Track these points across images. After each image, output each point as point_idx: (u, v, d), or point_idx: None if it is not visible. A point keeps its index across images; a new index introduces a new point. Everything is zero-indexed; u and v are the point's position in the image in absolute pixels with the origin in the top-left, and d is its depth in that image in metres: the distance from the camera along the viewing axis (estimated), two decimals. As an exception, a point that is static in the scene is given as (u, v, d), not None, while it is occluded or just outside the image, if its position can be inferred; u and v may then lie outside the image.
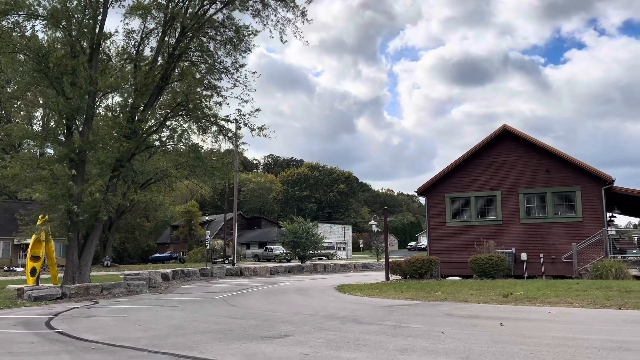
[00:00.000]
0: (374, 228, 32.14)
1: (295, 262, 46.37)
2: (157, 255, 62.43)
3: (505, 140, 24.04)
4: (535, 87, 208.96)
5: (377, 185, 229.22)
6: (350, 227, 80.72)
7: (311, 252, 52.87)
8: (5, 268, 42.56)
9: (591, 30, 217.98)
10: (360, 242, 76.55)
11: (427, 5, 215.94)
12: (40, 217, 20.74)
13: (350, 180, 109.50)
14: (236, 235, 45.21)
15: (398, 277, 23.27)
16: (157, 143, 23.31)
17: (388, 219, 25.09)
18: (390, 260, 23.99)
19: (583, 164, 22.23)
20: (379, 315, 11.52)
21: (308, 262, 42.76)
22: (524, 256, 22.49)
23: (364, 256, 66.73)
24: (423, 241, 78.07)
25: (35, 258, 21.39)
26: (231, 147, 27.29)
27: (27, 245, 30.92)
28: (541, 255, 22.29)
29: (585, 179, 22.16)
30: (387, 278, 22.99)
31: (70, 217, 19.77)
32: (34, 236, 20.74)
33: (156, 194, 25.87)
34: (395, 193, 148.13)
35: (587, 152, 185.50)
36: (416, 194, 27.08)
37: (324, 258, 59.07)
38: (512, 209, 23.37)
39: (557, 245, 22.16)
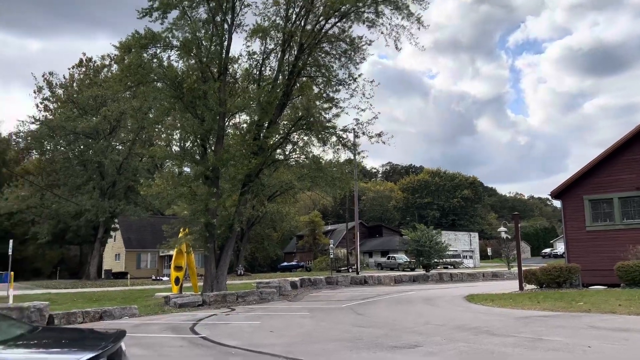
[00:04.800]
0: (503, 235, 30.55)
1: (420, 271, 45.56)
2: (285, 264, 64.95)
3: (651, 133, 21.60)
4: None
5: (504, 189, 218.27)
6: (476, 234, 77.65)
7: (436, 260, 51.62)
8: (153, 277, 46.97)
9: None
10: (489, 249, 73.20)
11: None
12: (181, 230, 22.66)
13: (474, 185, 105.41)
14: (358, 243, 45.63)
15: (533, 286, 21.87)
16: (281, 157, 24.42)
17: (519, 225, 23.73)
18: (523, 268, 22.65)
19: None
20: (514, 326, 10.93)
21: (433, 271, 41.80)
22: (682, 263, 19.92)
23: (493, 264, 63.71)
24: (559, 248, 72.66)
25: (178, 268, 23.35)
26: (350, 156, 27.70)
27: (170, 256, 33.81)
28: None
29: None
30: (521, 287, 21.73)
31: (208, 229, 21.38)
32: (176, 248, 22.72)
33: (282, 205, 27.07)
34: (525, 197, 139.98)
35: None
36: (549, 197, 25.33)
37: (449, 267, 57.36)
38: (664, 210, 20.88)
39: None
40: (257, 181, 22.60)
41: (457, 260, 61.81)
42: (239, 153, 21.77)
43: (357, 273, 39.80)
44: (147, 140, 44.39)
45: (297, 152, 24.17)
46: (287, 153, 24.49)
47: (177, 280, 23.11)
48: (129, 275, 47.45)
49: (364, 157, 24.62)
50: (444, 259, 54.53)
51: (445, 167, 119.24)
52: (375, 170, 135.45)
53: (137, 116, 27.53)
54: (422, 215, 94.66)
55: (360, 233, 55.12)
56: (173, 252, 23.85)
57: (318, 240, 67.60)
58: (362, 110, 22.89)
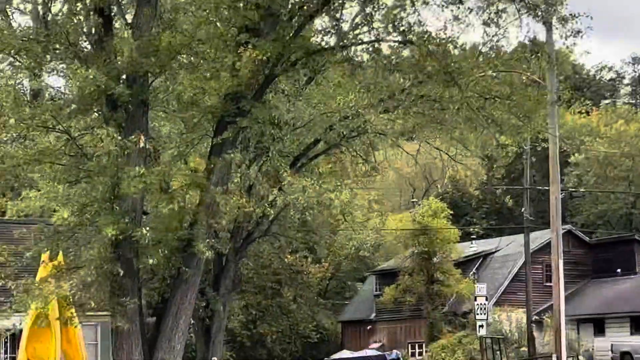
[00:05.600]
0: None
1: None
2: (345, 356, 65.39)
3: None
4: None
5: None
6: None
7: None
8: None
9: None
10: None
11: None
12: (44, 259, 22.69)
13: None
14: (562, 295, 45.05)
15: None
16: (327, 41, 24.50)
17: None
18: None
19: None
20: None
21: None
22: None
23: None
24: None
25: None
26: (537, 35, 27.40)
27: (15, 336, 34.22)
28: None
29: None
30: None
31: (122, 257, 21.47)
32: (33, 310, 22.75)
33: (330, 182, 26.88)
34: None
35: None
36: None
37: None
38: None
39: None
40: (260, 111, 22.63)
41: None
42: (206, 32, 21.77)
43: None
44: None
45: (378, 27, 24.25)
46: (344, 31, 24.54)
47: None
48: None
49: (576, 35, 24.15)
50: None
51: None
52: (614, 79, 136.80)
53: None
54: None
55: (571, 262, 54.89)
56: (24, 324, 24.07)
57: (441, 284, 67.52)
58: None
